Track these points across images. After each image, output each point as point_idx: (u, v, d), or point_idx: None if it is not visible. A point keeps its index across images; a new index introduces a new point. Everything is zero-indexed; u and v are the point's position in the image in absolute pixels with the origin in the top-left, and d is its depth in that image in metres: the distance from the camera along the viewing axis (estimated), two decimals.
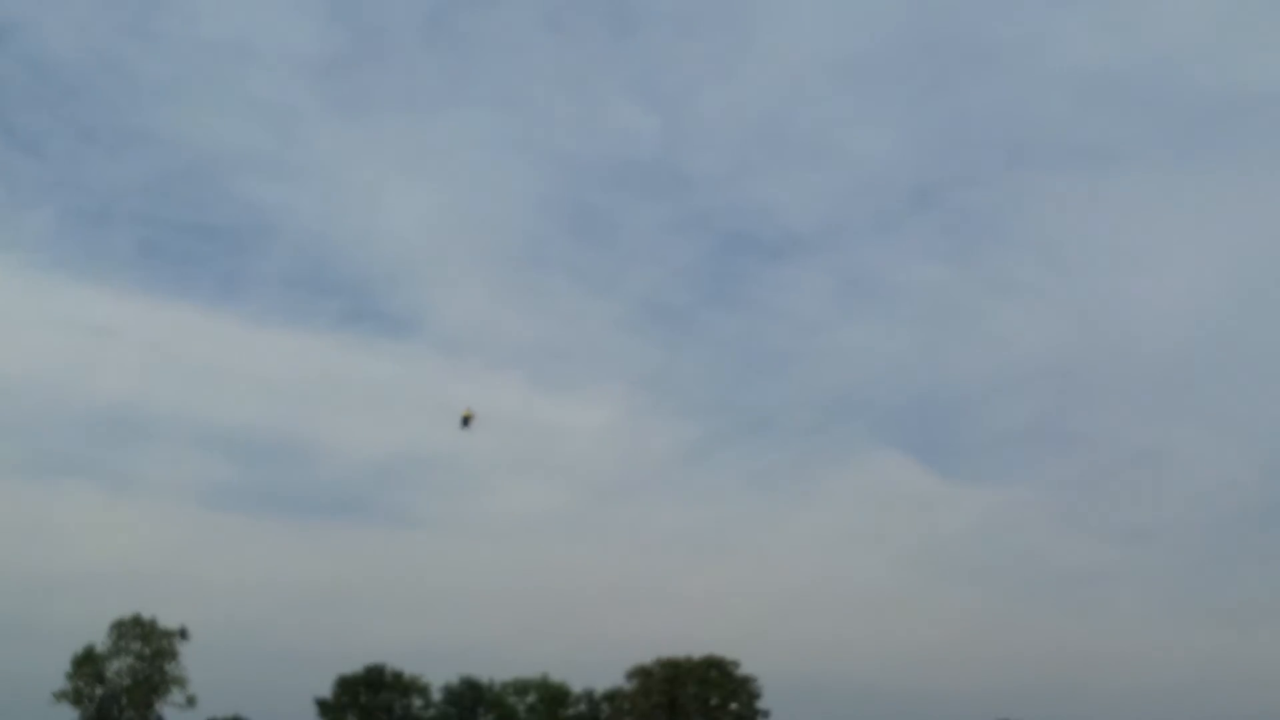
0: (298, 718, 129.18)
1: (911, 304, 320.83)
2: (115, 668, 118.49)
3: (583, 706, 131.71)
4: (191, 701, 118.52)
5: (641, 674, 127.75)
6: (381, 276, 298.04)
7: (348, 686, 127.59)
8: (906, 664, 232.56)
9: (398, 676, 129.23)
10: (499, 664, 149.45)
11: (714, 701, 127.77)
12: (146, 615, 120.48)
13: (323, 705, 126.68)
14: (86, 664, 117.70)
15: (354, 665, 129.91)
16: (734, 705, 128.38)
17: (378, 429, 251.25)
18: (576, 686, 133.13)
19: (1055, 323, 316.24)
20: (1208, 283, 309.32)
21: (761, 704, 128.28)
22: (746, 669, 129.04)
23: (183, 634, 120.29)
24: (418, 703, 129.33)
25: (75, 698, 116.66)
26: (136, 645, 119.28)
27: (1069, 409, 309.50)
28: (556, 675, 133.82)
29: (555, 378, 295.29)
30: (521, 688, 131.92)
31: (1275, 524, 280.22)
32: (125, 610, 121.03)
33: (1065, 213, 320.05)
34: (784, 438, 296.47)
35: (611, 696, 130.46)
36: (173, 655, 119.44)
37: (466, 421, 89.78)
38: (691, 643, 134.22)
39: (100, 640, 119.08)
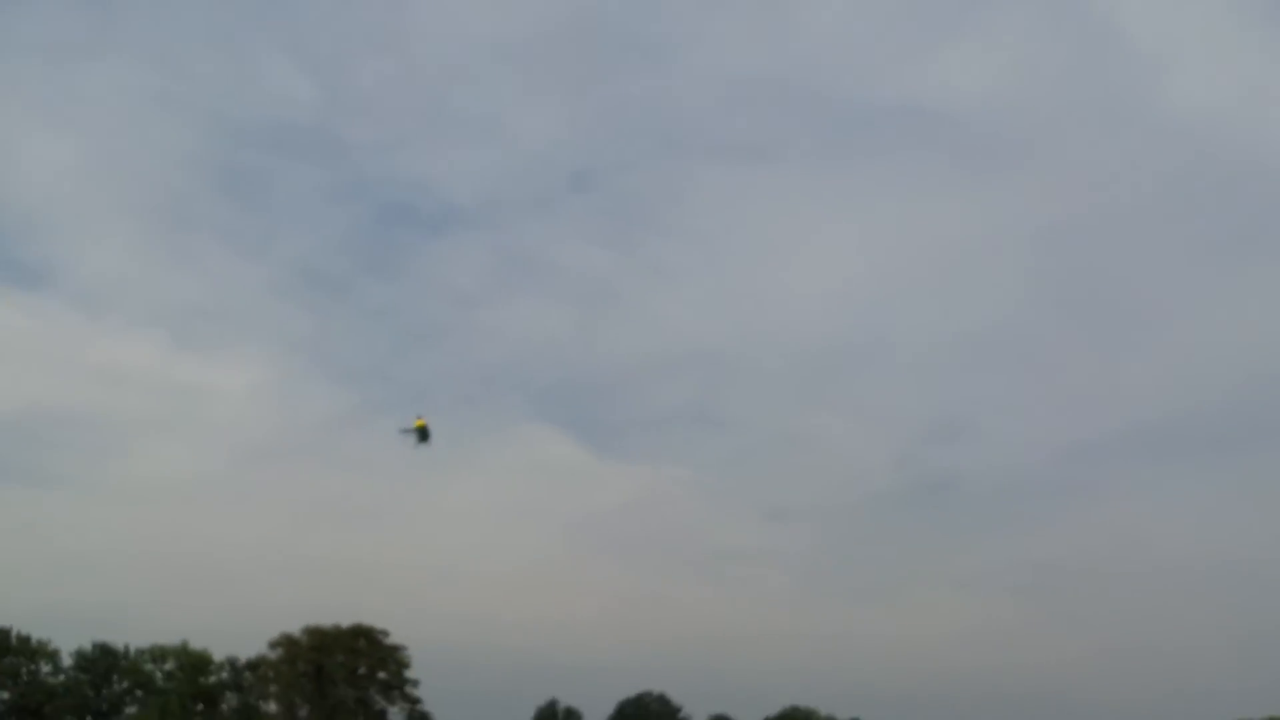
0: None
1: (570, 284, 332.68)
2: None
3: (225, 674, 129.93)
4: None
5: (287, 642, 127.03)
6: (13, 226, 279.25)
7: None
8: (558, 635, 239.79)
9: (24, 640, 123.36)
10: (137, 631, 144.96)
11: (362, 670, 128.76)
12: None
13: None
14: None
15: None
16: (382, 674, 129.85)
17: (8, 383, 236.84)
18: (219, 654, 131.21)
19: (707, 309, 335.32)
20: (850, 277, 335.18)
21: (410, 673, 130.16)
22: (396, 638, 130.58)
23: None
24: (46, 668, 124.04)
25: None
26: None
27: (719, 393, 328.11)
28: (199, 643, 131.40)
29: (202, 338, 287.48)
30: (160, 654, 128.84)
31: (904, 508, 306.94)
32: None
33: (718, 204, 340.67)
34: (440, 408, 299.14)
35: (255, 665, 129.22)
36: None
37: (424, 434, 73.86)
38: (341, 612, 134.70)
39: None
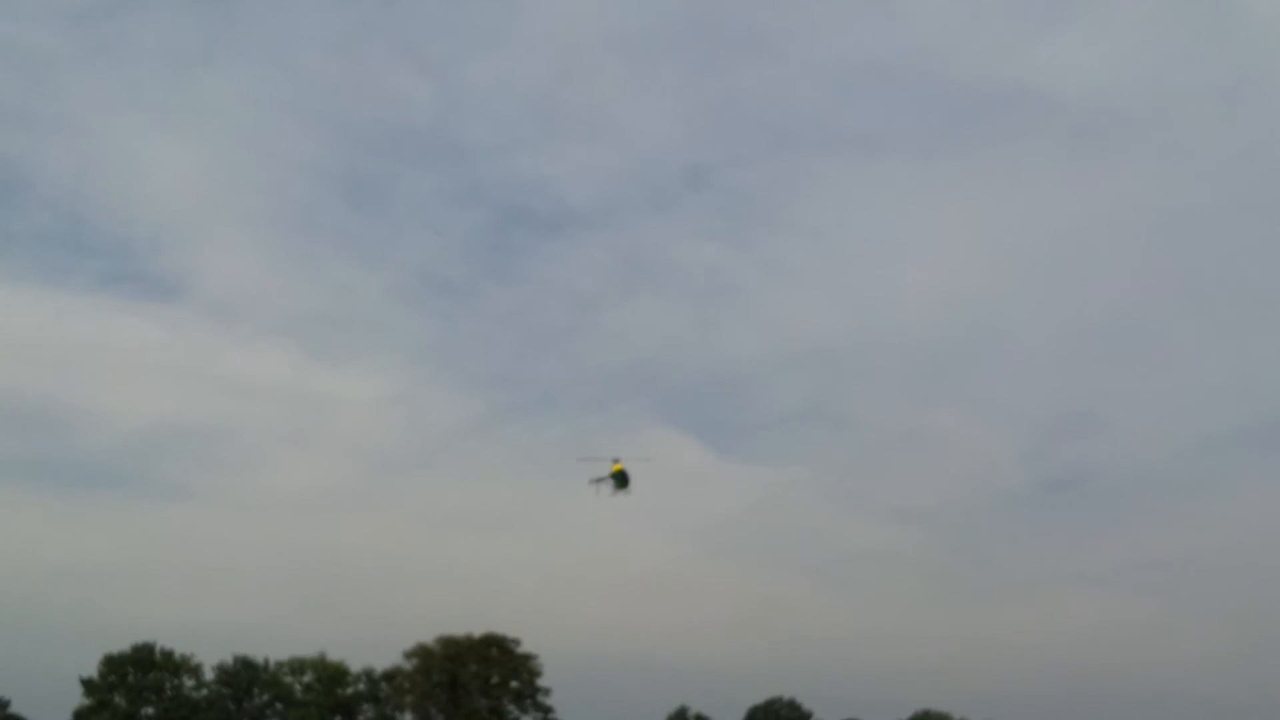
0: (62, 697, 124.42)
1: (688, 283, 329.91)
2: None
3: (362, 685, 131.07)
4: None
5: (421, 653, 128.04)
6: (144, 237, 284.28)
7: (114, 665, 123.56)
8: (686, 641, 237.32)
9: (168, 655, 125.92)
10: (275, 643, 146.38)
11: (494, 679, 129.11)
12: None
13: (89, 685, 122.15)
14: None
15: (121, 644, 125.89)
16: (515, 683, 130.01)
17: (143, 396, 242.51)
18: (355, 665, 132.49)
19: (824, 305, 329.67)
20: (966, 268, 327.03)
21: (542, 681, 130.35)
22: (527, 647, 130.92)
23: None
24: (189, 682, 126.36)
25: None
26: None
27: (839, 391, 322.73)
28: (335, 654, 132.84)
29: (330, 348, 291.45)
30: (298, 667, 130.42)
31: (1032, 505, 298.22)
32: None
33: (834, 197, 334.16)
34: (566, 414, 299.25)
35: (391, 675, 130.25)
36: None
37: (622, 480, 62.43)
38: (472, 621, 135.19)
39: None
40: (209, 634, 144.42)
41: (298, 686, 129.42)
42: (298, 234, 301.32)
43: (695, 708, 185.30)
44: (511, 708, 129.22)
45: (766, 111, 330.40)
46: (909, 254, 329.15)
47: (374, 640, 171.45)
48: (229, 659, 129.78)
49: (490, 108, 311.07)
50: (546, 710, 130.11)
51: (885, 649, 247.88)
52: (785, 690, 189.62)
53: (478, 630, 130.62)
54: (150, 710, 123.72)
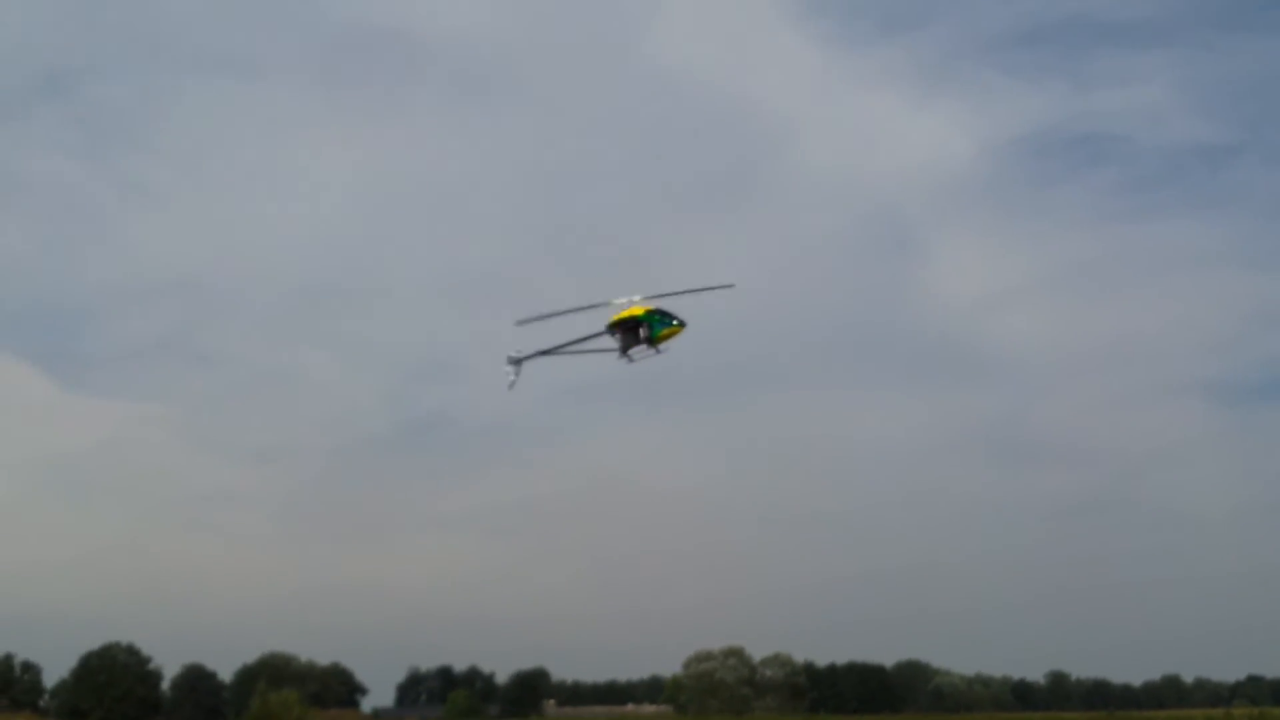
0: None
1: (36, 199, 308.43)
2: None
3: None
4: None
5: None
6: None
7: None
8: (13, 587, 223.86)
9: None
10: None
11: None
12: None
13: None
14: None
15: None
16: None
17: None
18: None
19: (193, 234, 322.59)
20: (345, 207, 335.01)
21: None
22: None
23: None
24: None
25: None
26: None
27: (200, 325, 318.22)
28: None
29: None
30: None
31: (394, 449, 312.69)
32: None
33: (209, 122, 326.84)
34: None
35: None
36: None
37: (663, 324, 47.76)
38: None
39: None
40: None
41: None
42: None
43: (22, 655, 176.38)
44: None
45: (137, 19, 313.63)
46: (286, 189, 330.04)
47: None
48: None
49: None
50: None
51: (239, 593, 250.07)
52: (126, 636, 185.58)
53: None
54: None
